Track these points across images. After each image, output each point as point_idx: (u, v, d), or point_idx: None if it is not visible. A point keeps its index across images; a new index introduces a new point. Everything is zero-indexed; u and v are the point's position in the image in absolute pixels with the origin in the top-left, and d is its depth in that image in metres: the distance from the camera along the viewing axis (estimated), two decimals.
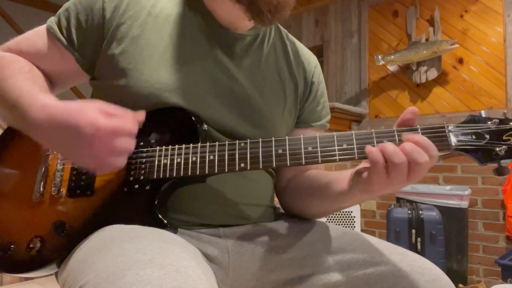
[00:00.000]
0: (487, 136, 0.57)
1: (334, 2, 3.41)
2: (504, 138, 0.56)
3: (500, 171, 0.57)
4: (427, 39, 2.84)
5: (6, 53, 0.73)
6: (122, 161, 0.59)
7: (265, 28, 0.78)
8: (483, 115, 0.58)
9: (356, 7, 3.30)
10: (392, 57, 2.93)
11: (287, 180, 0.82)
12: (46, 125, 0.58)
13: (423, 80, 2.84)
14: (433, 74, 2.81)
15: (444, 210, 2.35)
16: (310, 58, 0.86)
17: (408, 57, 2.86)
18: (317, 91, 0.85)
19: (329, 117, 0.88)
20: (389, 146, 0.55)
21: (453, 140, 0.57)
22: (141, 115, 0.61)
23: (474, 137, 0.57)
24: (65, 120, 0.57)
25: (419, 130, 0.58)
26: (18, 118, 0.62)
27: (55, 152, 0.72)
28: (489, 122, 0.58)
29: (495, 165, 0.57)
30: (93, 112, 0.57)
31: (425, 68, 2.84)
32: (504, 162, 0.57)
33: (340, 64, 3.36)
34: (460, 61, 2.76)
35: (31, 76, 0.68)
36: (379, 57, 2.96)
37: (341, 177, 0.68)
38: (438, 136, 0.58)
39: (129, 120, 0.59)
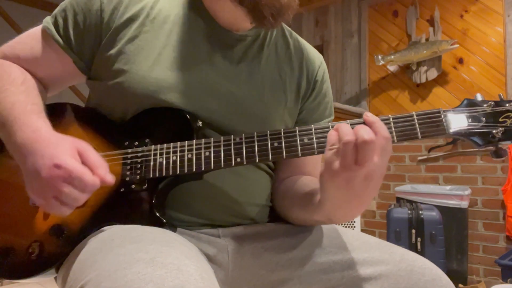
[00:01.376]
0: (483, 119, 0.56)
1: (334, 2, 3.41)
2: (500, 120, 0.56)
3: (497, 154, 0.57)
4: (427, 39, 2.84)
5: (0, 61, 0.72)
6: (64, 211, 0.57)
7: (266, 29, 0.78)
8: (479, 98, 0.58)
9: (356, 7, 3.30)
10: (392, 57, 2.93)
11: (281, 179, 0.81)
12: (26, 149, 0.58)
13: (423, 80, 2.84)
14: (433, 74, 2.81)
15: (444, 210, 2.35)
16: (314, 57, 0.85)
17: (408, 57, 2.86)
18: (320, 90, 0.83)
19: (332, 117, 0.86)
20: (344, 126, 0.54)
21: (449, 124, 0.57)
22: (110, 180, 0.58)
23: (470, 120, 0.57)
24: (38, 147, 0.57)
25: (415, 116, 0.58)
26: (5, 135, 0.62)
27: None
28: (484, 105, 0.57)
29: (492, 148, 0.57)
30: (64, 148, 0.57)
31: (425, 68, 2.84)
32: (501, 144, 0.56)
33: (340, 64, 3.36)
34: (460, 61, 2.76)
35: (24, 90, 0.68)
36: (379, 57, 2.96)
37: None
38: (434, 121, 0.57)
39: (97, 174, 0.56)
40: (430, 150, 2.76)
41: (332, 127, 0.59)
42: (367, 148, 0.51)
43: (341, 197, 0.56)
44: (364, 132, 0.51)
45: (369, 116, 0.56)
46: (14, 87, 0.67)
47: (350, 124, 0.57)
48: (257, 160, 0.62)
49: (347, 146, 0.51)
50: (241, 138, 0.63)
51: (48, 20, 0.72)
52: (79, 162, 0.57)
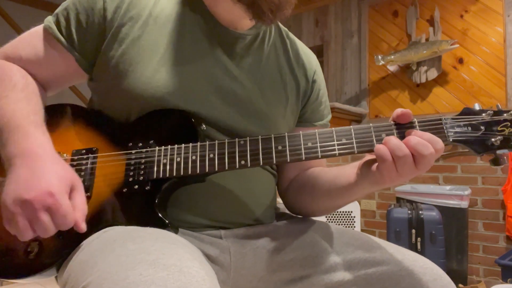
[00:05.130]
0: (482, 127, 0.58)
1: (334, 2, 3.41)
2: (498, 129, 0.58)
3: (496, 161, 0.59)
4: (427, 39, 2.84)
5: (1, 62, 0.71)
6: (26, 235, 0.56)
7: (265, 27, 0.78)
8: (477, 107, 0.60)
9: (356, 7, 3.30)
10: (392, 57, 2.92)
11: (290, 179, 0.82)
12: (27, 160, 0.57)
13: (423, 80, 2.84)
14: (433, 74, 2.81)
15: (444, 210, 2.35)
16: (310, 57, 0.86)
17: (408, 57, 2.85)
18: (319, 90, 0.85)
19: (330, 116, 0.89)
20: (392, 140, 0.56)
21: (450, 132, 0.59)
22: (83, 229, 0.58)
23: (470, 128, 0.59)
24: (41, 166, 0.56)
25: (416, 123, 0.60)
26: (2, 141, 0.61)
27: (57, 151, 0.70)
28: (483, 114, 0.59)
29: (491, 155, 0.59)
30: (64, 180, 0.56)
31: (425, 68, 2.84)
32: (499, 152, 0.58)
33: (340, 64, 3.36)
34: (460, 61, 2.76)
35: (25, 96, 0.67)
36: (379, 57, 2.96)
37: (346, 170, 0.68)
38: (435, 128, 0.59)
39: (76, 216, 0.57)
40: None
41: (336, 132, 0.61)
42: (426, 160, 0.55)
43: (374, 190, 0.63)
44: (424, 149, 0.55)
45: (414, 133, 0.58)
46: (15, 93, 0.66)
47: (354, 130, 0.60)
48: (261, 163, 0.63)
49: (404, 159, 0.55)
50: (245, 141, 0.64)
51: (49, 20, 0.72)
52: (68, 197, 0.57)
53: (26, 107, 0.65)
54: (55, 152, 0.61)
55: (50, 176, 0.56)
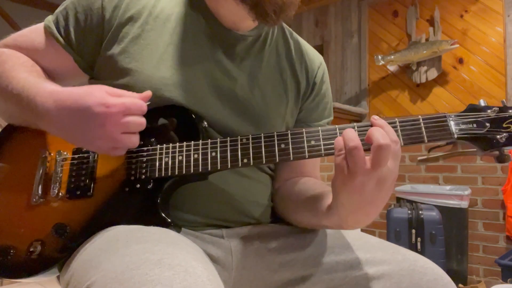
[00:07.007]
0: (488, 124, 0.57)
1: (334, 2, 3.42)
2: (504, 125, 0.56)
3: (501, 159, 0.57)
4: (427, 39, 2.85)
5: (6, 49, 0.72)
6: (136, 139, 0.60)
7: (267, 28, 0.78)
8: (482, 104, 0.59)
9: (356, 7, 3.30)
10: (392, 57, 2.93)
11: (283, 180, 0.81)
12: (55, 110, 0.58)
13: (423, 80, 2.84)
14: (433, 74, 2.81)
15: (444, 210, 2.35)
16: (314, 58, 0.85)
17: (408, 57, 2.86)
18: (319, 91, 0.84)
19: (331, 118, 0.87)
20: (349, 132, 0.53)
21: (454, 129, 0.57)
22: (147, 94, 0.62)
23: (475, 125, 0.57)
24: (74, 102, 0.57)
25: (421, 120, 0.58)
26: (25, 108, 0.62)
27: (57, 150, 0.71)
28: (488, 111, 0.58)
29: (496, 152, 0.57)
30: (101, 93, 0.58)
31: (425, 68, 2.84)
32: (505, 149, 0.57)
33: (340, 64, 3.36)
34: (460, 61, 2.76)
35: (35, 70, 0.68)
36: (379, 57, 2.97)
37: (326, 193, 0.64)
38: (439, 125, 0.58)
39: (138, 98, 0.60)
40: (430, 150, 2.75)
41: (340, 130, 0.59)
42: (382, 152, 0.50)
43: (353, 203, 0.55)
44: (380, 136, 0.51)
45: (376, 119, 0.56)
46: (24, 67, 0.68)
47: (358, 127, 0.58)
48: (264, 162, 0.62)
49: (354, 151, 0.51)
50: (247, 139, 0.63)
51: (49, 19, 0.72)
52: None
53: (38, 75, 0.67)
54: (70, 88, 0.62)
55: (92, 100, 0.57)
